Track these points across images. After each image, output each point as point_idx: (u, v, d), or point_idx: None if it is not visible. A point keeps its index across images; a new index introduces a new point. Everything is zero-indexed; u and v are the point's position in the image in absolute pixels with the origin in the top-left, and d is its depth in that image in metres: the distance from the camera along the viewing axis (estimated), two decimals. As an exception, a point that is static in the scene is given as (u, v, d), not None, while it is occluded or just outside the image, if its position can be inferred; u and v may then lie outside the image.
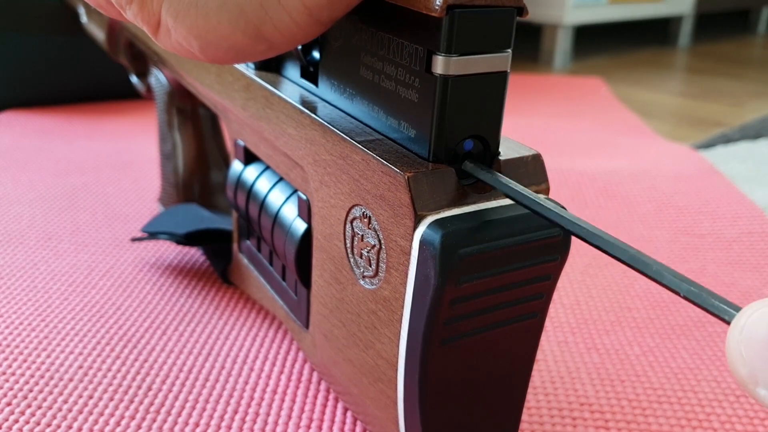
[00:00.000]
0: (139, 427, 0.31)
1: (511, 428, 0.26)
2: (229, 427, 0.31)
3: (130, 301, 0.41)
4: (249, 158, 0.34)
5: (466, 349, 0.22)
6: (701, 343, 0.39)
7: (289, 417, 0.32)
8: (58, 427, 0.30)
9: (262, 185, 0.32)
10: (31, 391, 0.33)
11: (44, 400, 0.32)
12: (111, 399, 0.32)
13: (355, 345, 0.26)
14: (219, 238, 0.42)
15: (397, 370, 0.23)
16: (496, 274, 0.21)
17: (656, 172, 0.65)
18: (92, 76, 0.82)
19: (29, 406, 0.32)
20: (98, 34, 0.55)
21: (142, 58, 0.52)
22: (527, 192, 0.20)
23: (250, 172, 0.33)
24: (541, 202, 0.19)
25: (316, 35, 0.20)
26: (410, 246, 0.21)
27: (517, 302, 0.22)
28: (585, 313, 0.42)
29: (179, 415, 0.32)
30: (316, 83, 0.27)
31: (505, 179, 0.21)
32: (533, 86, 1.09)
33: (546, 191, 0.23)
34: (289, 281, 0.32)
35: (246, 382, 0.34)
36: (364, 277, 0.24)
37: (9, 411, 0.31)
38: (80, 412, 0.31)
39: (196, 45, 0.20)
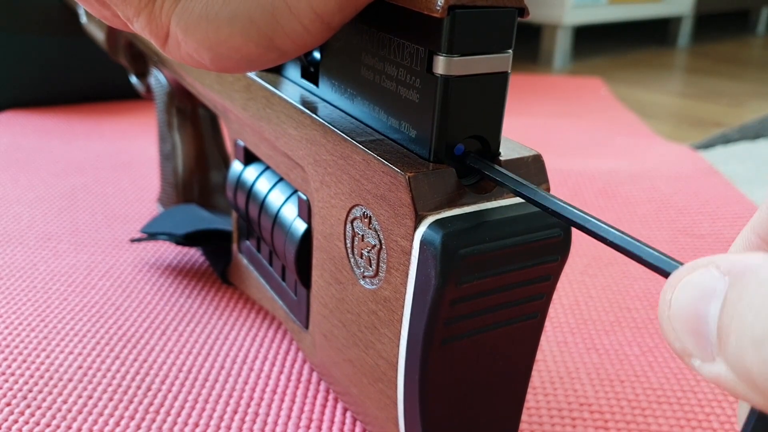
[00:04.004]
0: (138, 427, 0.31)
1: (511, 428, 0.26)
2: (229, 427, 0.31)
3: (130, 302, 0.41)
4: (249, 158, 0.34)
5: (467, 349, 0.22)
6: (701, 343, 0.39)
7: (289, 417, 0.32)
8: (58, 427, 0.30)
9: (262, 185, 0.32)
10: (30, 391, 0.33)
11: (44, 400, 0.32)
12: (111, 399, 0.32)
13: (355, 345, 0.26)
14: (218, 238, 0.42)
15: (397, 370, 0.23)
16: (497, 275, 0.21)
17: (656, 173, 0.65)
18: (92, 76, 0.82)
19: (29, 406, 0.32)
20: (98, 34, 0.55)
21: (141, 59, 0.52)
22: (531, 186, 0.20)
23: (250, 173, 0.33)
24: (545, 195, 0.19)
25: (326, 39, 0.21)
26: (411, 246, 0.21)
27: (517, 302, 0.22)
28: (584, 313, 0.42)
29: (179, 415, 0.32)
30: (316, 83, 0.27)
31: (508, 172, 0.21)
32: (533, 86, 1.09)
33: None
34: (289, 281, 0.32)
35: (246, 382, 0.34)
36: (364, 277, 0.24)
37: (9, 411, 0.31)
38: (80, 412, 0.31)
39: (207, 57, 0.20)
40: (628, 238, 0.17)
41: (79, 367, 0.34)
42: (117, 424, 0.31)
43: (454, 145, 0.21)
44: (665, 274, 0.15)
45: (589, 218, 0.18)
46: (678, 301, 0.13)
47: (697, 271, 0.13)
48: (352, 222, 0.24)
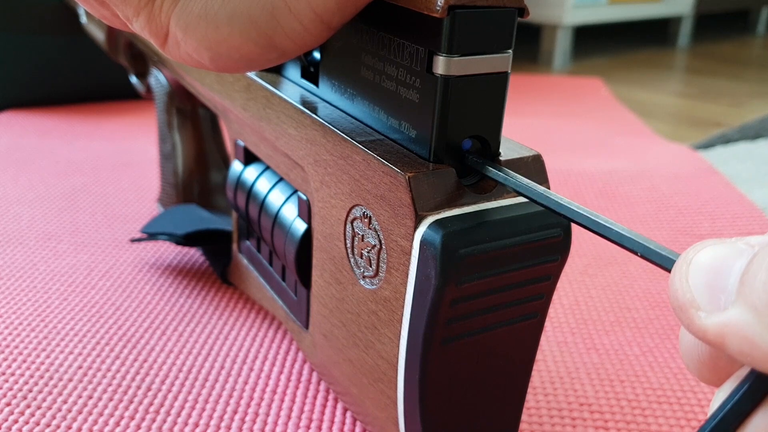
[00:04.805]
0: (138, 427, 0.31)
1: (511, 428, 0.26)
2: (229, 427, 0.31)
3: (130, 302, 0.41)
4: (249, 158, 0.34)
5: (467, 349, 0.22)
6: (701, 343, 0.39)
7: (289, 417, 0.32)
8: (58, 427, 0.30)
9: (262, 185, 0.32)
10: (30, 391, 0.33)
11: (44, 400, 0.32)
12: (111, 399, 0.32)
13: (355, 345, 0.26)
14: (218, 238, 0.42)
15: (397, 370, 0.23)
16: (497, 275, 0.21)
17: (655, 173, 0.65)
18: (92, 76, 0.82)
19: (29, 406, 0.32)
20: (98, 34, 0.55)
21: (141, 58, 0.52)
22: (533, 184, 0.20)
23: (250, 173, 0.33)
24: (546, 192, 0.19)
25: (326, 39, 0.21)
26: (411, 246, 0.21)
27: (517, 302, 0.22)
28: (585, 313, 0.42)
29: (179, 415, 0.32)
30: (316, 83, 0.27)
31: (509, 172, 0.21)
32: (533, 86, 1.09)
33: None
34: (289, 281, 0.32)
35: (246, 382, 0.34)
36: (364, 277, 0.24)
37: (9, 411, 0.31)
38: (80, 412, 0.31)
39: (206, 56, 0.20)
40: (631, 234, 0.17)
41: (79, 367, 0.34)
42: (117, 424, 0.31)
43: (454, 145, 0.21)
44: (668, 269, 0.15)
45: (592, 215, 0.18)
46: (700, 258, 0.14)
47: (726, 243, 0.14)
48: (352, 222, 0.24)
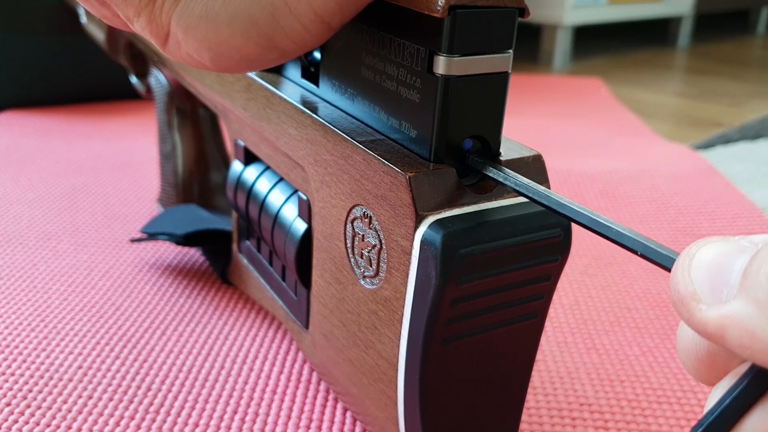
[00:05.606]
0: (138, 427, 0.31)
1: (511, 428, 0.26)
2: (229, 428, 0.31)
3: (130, 302, 0.41)
4: (249, 158, 0.34)
5: (467, 349, 0.22)
6: (701, 343, 0.39)
7: (289, 417, 0.32)
8: (58, 427, 0.30)
9: (263, 185, 0.32)
10: (30, 391, 0.33)
11: (44, 400, 0.32)
12: (111, 399, 0.32)
13: (356, 345, 0.26)
14: (218, 238, 0.42)
15: (397, 370, 0.23)
16: (497, 275, 0.21)
17: (656, 173, 0.65)
18: (92, 76, 0.82)
19: (29, 406, 0.32)
20: (98, 34, 0.55)
21: (142, 58, 0.52)
22: (533, 184, 0.20)
23: (251, 173, 0.33)
24: (547, 192, 0.19)
25: (326, 39, 0.21)
26: (411, 246, 0.21)
27: (517, 302, 0.22)
28: (584, 313, 0.42)
29: (179, 415, 0.32)
30: (317, 83, 0.27)
31: (509, 172, 0.21)
32: (533, 86, 1.09)
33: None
34: (289, 281, 0.32)
35: (246, 382, 0.34)
36: (364, 277, 0.24)
37: (9, 411, 0.31)
38: (80, 412, 0.31)
39: (207, 57, 0.20)
40: (631, 233, 0.17)
41: (79, 367, 0.34)
42: (117, 424, 0.31)
43: (454, 145, 0.21)
44: (668, 269, 0.15)
45: (592, 214, 0.18)
46: (703, 253, 0.14)
47: (729, 240, 0.14)
48: (352, 222, 0.24)
